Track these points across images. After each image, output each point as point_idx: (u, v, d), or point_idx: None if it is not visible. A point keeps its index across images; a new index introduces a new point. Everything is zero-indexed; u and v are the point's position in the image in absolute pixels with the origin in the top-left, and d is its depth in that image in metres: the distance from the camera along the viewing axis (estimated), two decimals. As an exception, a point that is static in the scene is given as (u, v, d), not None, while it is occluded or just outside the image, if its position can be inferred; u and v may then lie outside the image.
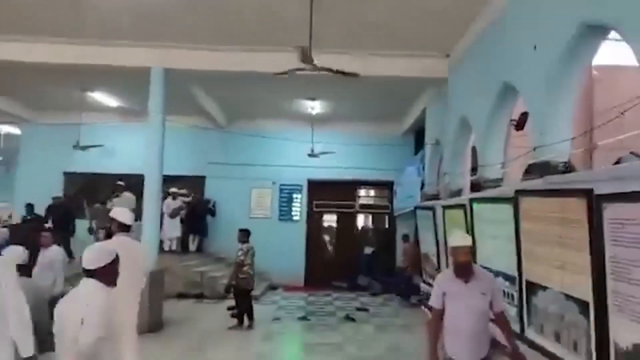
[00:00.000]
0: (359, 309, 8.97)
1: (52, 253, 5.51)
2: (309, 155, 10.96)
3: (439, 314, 3.57)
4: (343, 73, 5.42)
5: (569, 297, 3.81)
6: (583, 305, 3.61)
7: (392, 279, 11.31)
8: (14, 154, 13.46)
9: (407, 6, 6.29)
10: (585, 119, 6.60)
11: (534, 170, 4.53)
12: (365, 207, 13.05)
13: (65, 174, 12.40)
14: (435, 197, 9.25)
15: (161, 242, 10.62)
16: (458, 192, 7.64)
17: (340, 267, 12.13)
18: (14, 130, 13.27)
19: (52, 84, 9.89)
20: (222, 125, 12.03)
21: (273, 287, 11.38)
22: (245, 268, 7.36)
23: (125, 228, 3.97)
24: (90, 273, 2.46)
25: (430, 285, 8.71)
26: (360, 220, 13.13)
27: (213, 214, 12.00)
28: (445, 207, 7.43)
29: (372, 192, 13.29)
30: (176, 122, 9.46)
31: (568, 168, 4.35)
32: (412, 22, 6.71)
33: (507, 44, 5.35)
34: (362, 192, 13.10)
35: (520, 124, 6.12)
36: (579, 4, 3.92)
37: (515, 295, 4.90)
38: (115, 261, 2.55)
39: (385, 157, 12.19)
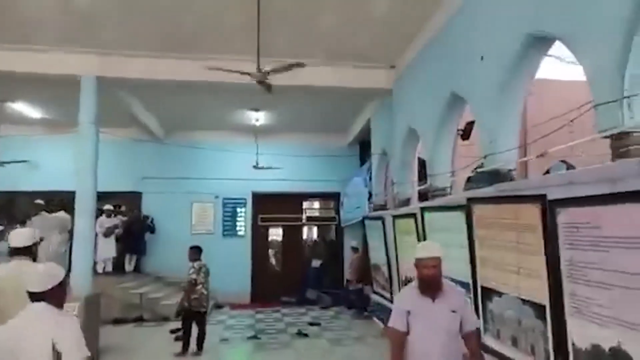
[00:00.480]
0: (310, 324, 8.75)
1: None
2: (254, 167, 10.68)
3: (402, 337, 2.98)
4: (291, 66, 5.25)
5: (525, 301, 3.87)
6: (540, 309, 3.67)
7: (341, 291, 11.23)
8: None
9: (354, 18, 6.33)
10: (522, 130, 6.95)
11: (482, 178, 4.62)
12: (311, 220, 12.91)
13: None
14: (384, 207, 9.33)
15: (95, 263, 9.86)
16: (407, 202, 7.71)
17: (288, 281, 11.86)
18: None
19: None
20: (160, 137, 11.45)
21: (219, 306, 10.89)
22: (198, 287, 6.77)
23: (18, 251, 3.31)
24: (38, 297, 2.29)
25: (381, 295, 8.71)
26: (307, 233, 12.96)
27: (152, 230, 11.32)
28: (395, 217, 7.48)
29: (318, 204, 13.19)
30: (109, 134, 8.82)
31: (515, 176, 4.48)
32: (359, 33, 6.77)
33: (454, 55, 5.48)
34: (307, 204, 12.95)
35: (466, 133, 6.32)
36: (524, 15, 4.06)
37: (469, 301, 4.94)
38: (63, 282, 2.44)
39: (331, 168, 12.16)
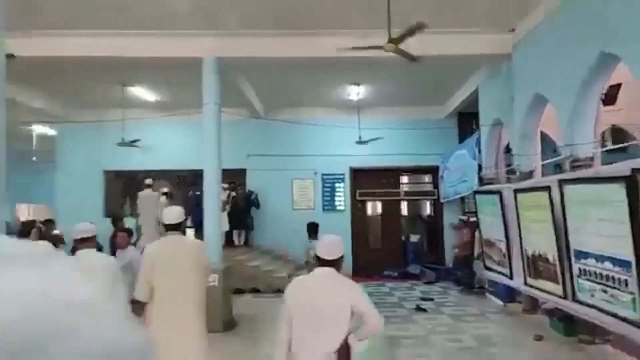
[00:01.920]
0: (422, 299, 8.72)
1: (130, 254, 5.32)
2: (357, 142, 10.67)
3: None
4: (415, 29, 5.06)
5: None
6: None
7: (444, 267, 11.06)
8: (47, 155, 13.33)
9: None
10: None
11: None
12: (409, 194, 12.74)
13: (105, 172, 12.26)
14: (494, 180, 8.95)
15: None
16: (529, 175, 7.32)
17: (388, 255, 11.89)
18: (48, 130, 13.09)
19: (90, 79, 9.70)
20: (262, 115, 11.77)
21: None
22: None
23: (170, 227, 3.61)
24: (329, 263, 2.64)
25: (496, 272, 8.43)
26: (405, 208, 12.83)
27: (257, 205, 11.78)
28: (517, 191, 7.12)
29: (416, 179, 12.96)
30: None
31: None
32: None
33: (606, 12, 4.98)
34: (405, 178, 12.78)
35: (610, 98, 5.79)
36: None
37: (631, 280, 4.61)
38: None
39: (429, 142, 11.85)
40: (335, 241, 2.70)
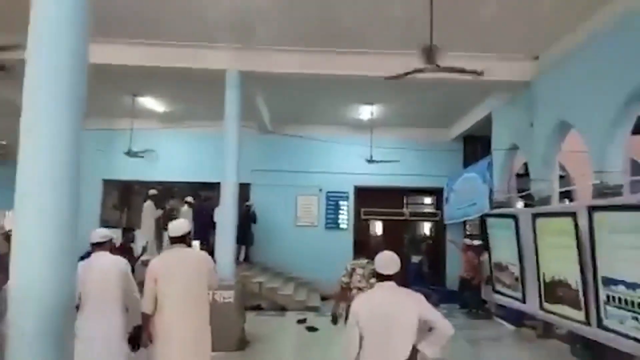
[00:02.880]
0: (430, 321, 8.61)
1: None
2: (368, 161, 10.67)
3: None
4: (465, 71, 5.13)
5: None
6: None
7: (447, 290, 11.02)
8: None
9: (515, 5, 6.05)
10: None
11: None
12: (413, 215, 12.75)
13: (105, 181, 11.94)
14: (505, 204, 9.01)
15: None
16: (547, 200, 7.40)
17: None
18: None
19: (101, 87, 9.50)
20: (270, 129, 11.69)
21: (324, 298, 11.00)
22: (353, 292, 5.13)
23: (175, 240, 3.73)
24: (388, 278, 2.86)
25: (506, 295, 8.41)
26: (408, 228, 12.81)
27: (254, 220, 11.61)
28: (536, 215, 7.17)
29: (420, 200, 13.00)
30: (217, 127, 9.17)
31: None
32: (510, 23, 6.49)
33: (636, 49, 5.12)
34: (410, 199, 12.80)
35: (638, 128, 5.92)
36: None
37: None
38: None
39: (434, 164, 11.97)
40: (393, 256, 2.92)
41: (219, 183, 11.12)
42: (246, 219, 11.42)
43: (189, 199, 10.81)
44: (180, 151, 11.84)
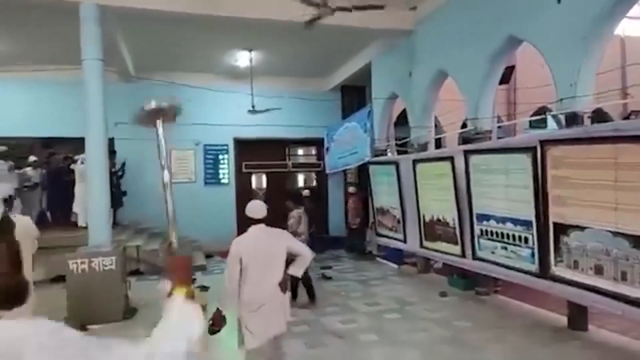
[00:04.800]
0: (323, 267, 8.84)
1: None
2: (250, 111, 10.14)
3: None
4: (367, 7, 4.96)
5: (617, 234, 4.23)
6: (636, 240, 4.06)
7: (332, 235, 11.41)
8: None
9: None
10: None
11: (567, 120, 4.81)
12: (297, 166, 12.71)
13: None
14: (384, 152, 9.44)
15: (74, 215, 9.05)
16: (424, 146, 7.86)
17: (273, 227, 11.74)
18: None
19: None
20: (132, 76, 10.34)
21: (208, 255, 10.57)
22: (300, 237, 6.19)
23: None
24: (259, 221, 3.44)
25: (388, 237, 8.99)
26: (291, 180, 12.77)
27: (121, 177, 10.48)
28: (416, 161, 7.61)
29: (301, 151, 12.97)
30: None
31: (597, 118, 4.74)
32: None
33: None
34: (291, 150, 12.68)
35: (505, 78, 6.47)
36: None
37: (531, 238, 5.30)
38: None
39: (314, 115, 11.92)
40: (262, 204, 3.49)
41: (70, 138, 9.92)
42: (116, 179, 10.22)
43: (32, 158, 9.25)
44: (19, 100, 9.90)
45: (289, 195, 12.36)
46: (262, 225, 3.40)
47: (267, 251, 3.31)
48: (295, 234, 6.16)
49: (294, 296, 6.25)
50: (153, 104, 1.62)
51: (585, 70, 4.69)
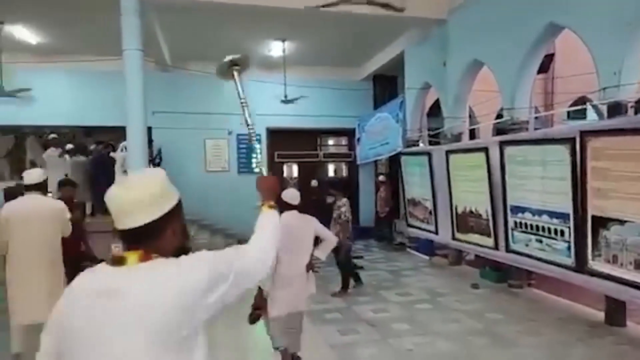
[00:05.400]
0: (355, 257, 8.90)
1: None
2: (282, 101, 10.24)
3: None
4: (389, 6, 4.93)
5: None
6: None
7: (363, 225, 11.44)
8: None
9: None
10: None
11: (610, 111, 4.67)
12: (328, 156, 12.78)
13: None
14: (417, 143, 9.36)
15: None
16: (459, 137, 7.76)
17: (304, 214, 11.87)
18: None
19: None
20: (169, 65, 10.60)
21: (241, 243, 10.78)
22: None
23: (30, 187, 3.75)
24: (294, 207, 3.71)
25: (420, 229, 8.95)
26: (322, 170, 12.85)
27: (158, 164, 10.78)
28: (450, 152, 7.52)
29: (332, 141, 13.01)
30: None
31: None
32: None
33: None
34: (323, 140, 12.75)
35: (543, 67, 6.29)
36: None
37: (568, 231, 5.19)
38: None
39: (345, 105, 11.92)
40: (296, 192, 3.79)
41: (110, 127, 10.30)
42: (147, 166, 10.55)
43: (69, 146, 9.61)
44: (61, 91, 10.32)
45: (331, 184, 12.64)
46: (295, 212, 3.66)
47: (299, 235, 3.56)
48: (348, 221, 6.66)
49: (345, 285, 6.51)
50: (229, 57, 1.88)
51: (630, 58, 4.52)
